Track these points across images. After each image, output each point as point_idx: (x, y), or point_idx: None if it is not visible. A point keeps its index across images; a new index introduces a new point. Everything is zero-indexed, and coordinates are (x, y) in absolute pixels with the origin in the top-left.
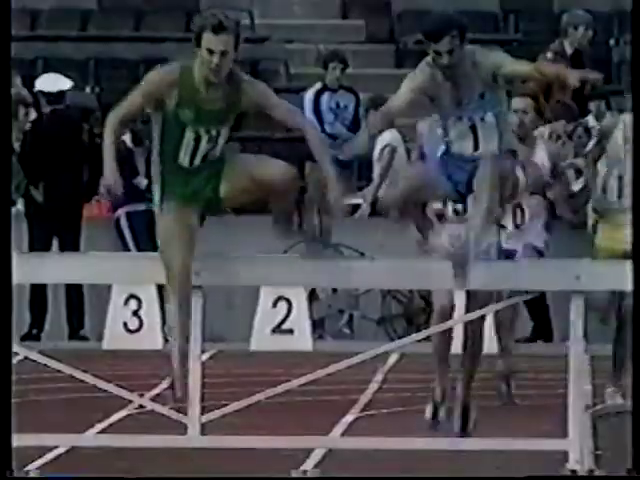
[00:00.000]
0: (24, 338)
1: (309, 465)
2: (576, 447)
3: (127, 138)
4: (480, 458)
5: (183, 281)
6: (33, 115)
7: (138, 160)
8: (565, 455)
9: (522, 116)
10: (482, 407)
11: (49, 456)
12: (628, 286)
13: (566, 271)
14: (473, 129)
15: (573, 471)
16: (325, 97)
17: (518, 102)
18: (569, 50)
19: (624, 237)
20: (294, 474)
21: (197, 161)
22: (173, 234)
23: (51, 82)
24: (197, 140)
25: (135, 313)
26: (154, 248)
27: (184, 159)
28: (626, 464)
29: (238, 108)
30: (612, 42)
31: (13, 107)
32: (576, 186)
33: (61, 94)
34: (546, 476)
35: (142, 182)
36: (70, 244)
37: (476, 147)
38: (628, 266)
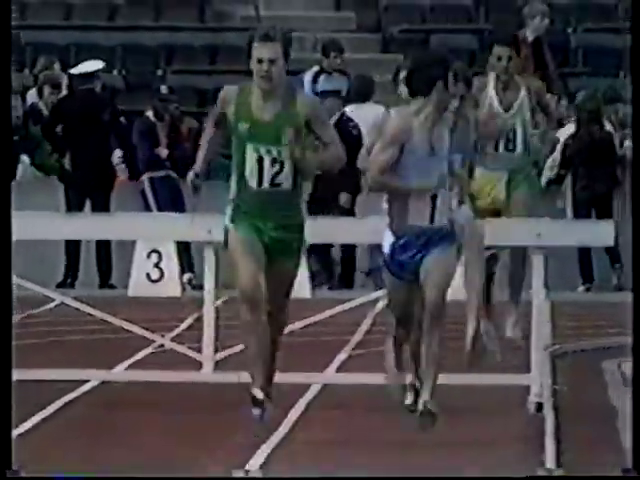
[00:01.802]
0: (59, 286)
1: (306, 400)
2: (537, 382)
3: (150, 114)
4: (453, 392)
5: (251, 296)
6: (63, 93)
7: (160, 133)
8: (527, 389)
9: None
10: (453, 346)
11: (83, 389)
12: (583, 243)
13: (528, 229)
14: (433, 200)
15: (538, 404)
16: (322, 78)
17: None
18: (530, 37)
19: (492, 194)
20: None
21: (265, 184)
22: (240, 255)
23: (84, 66)
24: (260, 162)
25: (156, 265)
26: (173, 209)
27: (251, 180)
28: (580, 398)
29: (294, 122)
30: (570, 30)
31: (39, 85)
32: None
33: (91, 75)
34: (546, 476)
35: (162, 152)
36: (100, 205)
37: (432, 220)
38: (586, 225)
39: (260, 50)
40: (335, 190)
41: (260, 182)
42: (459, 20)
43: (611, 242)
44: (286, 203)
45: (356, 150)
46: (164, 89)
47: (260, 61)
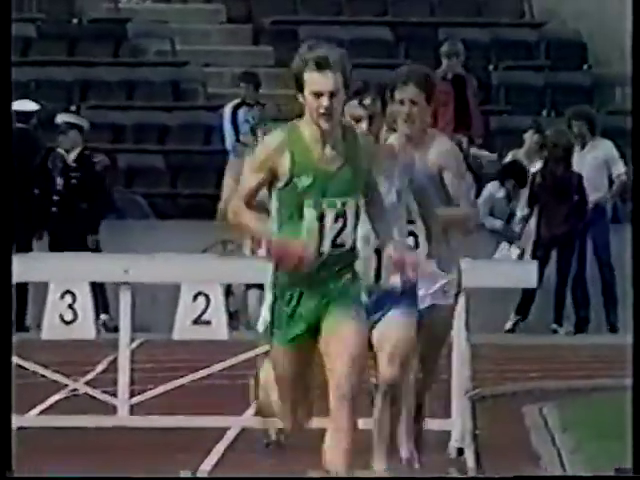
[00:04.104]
0: None
1: (223, 444)
2: (458, 427)
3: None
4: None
5: (292, 426)
6: None
7: None
8: (448, 434)
9: None
10: None
11: None
12: (504, 284)
13: None
14: (377, 252)
15: (459, 449)
16: (242, 111)
17: None
18: (449, 75)
19: None
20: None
21: (326, 246)
22: (283, 369)
23: (20, 104)
24: (321, 219)
25: (70, 306)
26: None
27: (308, 243)
28: (501, 443)
29: (359, 167)
30: (491, 67)
31: None
32: None
33: (27, 115)
34: (545, 476)
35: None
36: (23, 247)
37: (378, 277)
38: (508, 265)
39: (317, 81)
40: (80, 231)
41: (320, 244)
42: (379, 55)
43: (534, 284)
44: (345, 265)
45: (98, 186)
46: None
47: (318, 95)
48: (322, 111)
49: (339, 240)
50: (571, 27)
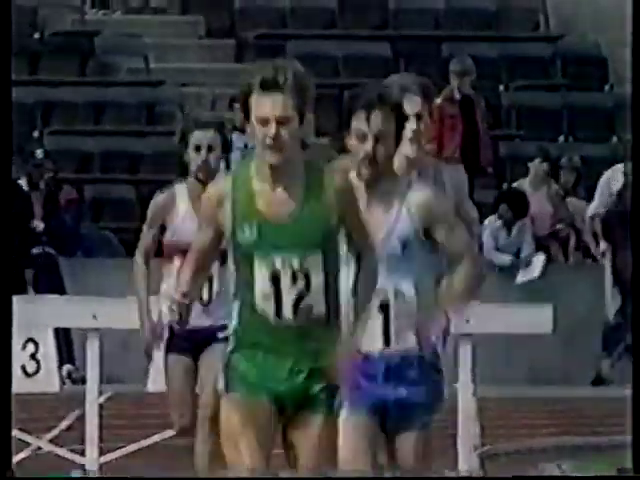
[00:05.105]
0: None
1: None
2: None
3: (23, 182)
4: None
5: None
6: None
7: (34, 203)
8: None
9: None
10: None
11: None
12: (516, 329)
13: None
14: (385, 309)
15: None
16: (234, 137)
17: None
18: (457, 96)
19: None
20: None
21: (287, 313)
22: (239, 430)
23: None
24: (275, 280)
25: (32, 356)
26: (50, 290)
27: (265, 309)
28: None
29: (324, 216)
30: (501, 87)
31: None
32: None
33: None
34: (547, 476)
35: (39, 225)
36: None
37: (387, 341)
38: (520, 310)
39: (263, 105)
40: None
41: (279, 311)
42: (377, 73)
43: (549, 329)
44: (319, 338)
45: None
46: (39, 153)
47: (264, 122)
48: (267, 141)
49: (303, 305)
50: (590, 40)
